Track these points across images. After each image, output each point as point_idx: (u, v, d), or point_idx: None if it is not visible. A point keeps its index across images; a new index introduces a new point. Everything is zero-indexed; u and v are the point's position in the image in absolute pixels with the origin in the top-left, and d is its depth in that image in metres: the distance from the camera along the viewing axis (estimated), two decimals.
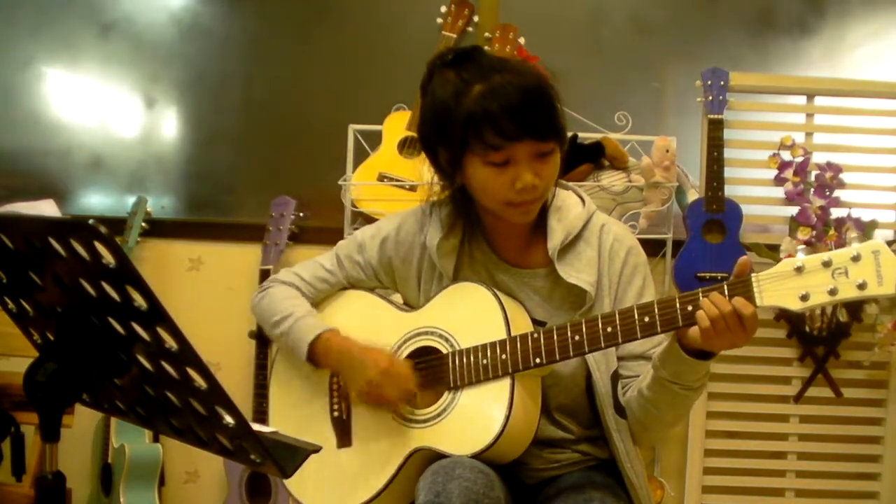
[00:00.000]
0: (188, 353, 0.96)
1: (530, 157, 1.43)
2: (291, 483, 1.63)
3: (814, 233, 2.58)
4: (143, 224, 2.72)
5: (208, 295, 2.80)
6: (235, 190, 2.95)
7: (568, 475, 1.57)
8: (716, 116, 2.59)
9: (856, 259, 1.24)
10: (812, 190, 2.63)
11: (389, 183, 2.58)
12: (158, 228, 2.78)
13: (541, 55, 2.63)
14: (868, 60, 2.87)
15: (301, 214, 2.69)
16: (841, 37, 2.89)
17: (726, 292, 1.30)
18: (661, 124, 2.84)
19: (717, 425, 2.73)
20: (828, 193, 2.62)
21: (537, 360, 1.45)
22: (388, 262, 1.65)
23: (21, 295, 1.13)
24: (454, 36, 2.70)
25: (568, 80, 2.70)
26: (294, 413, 1.68)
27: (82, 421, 2.46)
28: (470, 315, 1.53)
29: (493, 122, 1.39)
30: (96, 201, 2.94)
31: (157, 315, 0.94)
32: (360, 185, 2.60)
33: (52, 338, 1.12)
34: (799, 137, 2.69)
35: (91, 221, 0.88)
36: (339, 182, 2.60)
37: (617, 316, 1.40)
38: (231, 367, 2.75)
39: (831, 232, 2.58)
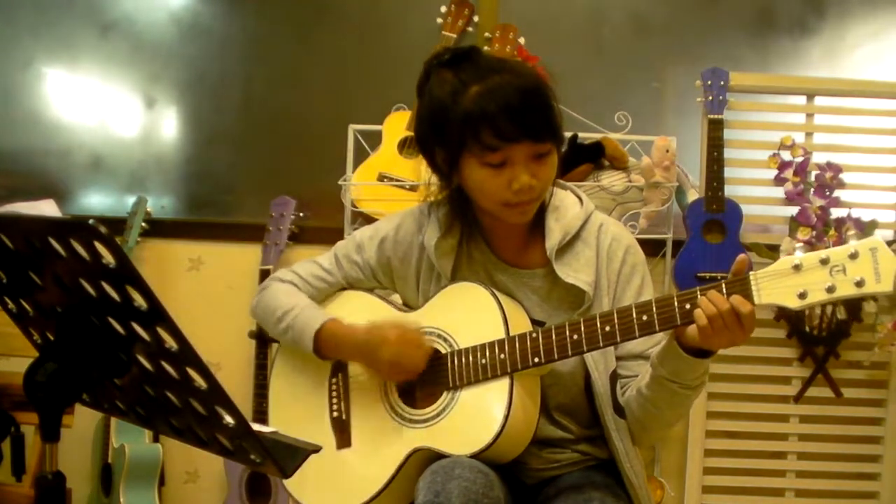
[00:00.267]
0: (188, 353, 0.96)
1: (527, 158, 1.43)
2: (291, 483, 1.63)
3: (814, 233, 2.58)
4: (143, 224, 2.72)
5: (208, 295, 2.80)
6: (235, 190, 2.95)
7: (567, 475, 1.57)
8: (716, 116, 2.59)
9: (853, 256, 1.24)
10: (812, 190, 2.63)
11: (389, 183, 2.58)
12: (158, 228, 2.78)
13: (541, 55, 2.63)
14: (868, 60, 2.87)
15: (301, 214, 2.69)
16: (841, 37, 2.89)
17: (724, 291, 1.30)
18: (661, 124, 2.84)
19: (717, 425, 2.73)
20: (828, 193, 2.62)
21: (536, 360, 1.45)
22: (386, 262, 1.65)
23: (21, 295, 1.13)
24: (454, 36, 2.70)
25: (568, 80, 2.71)
26: (293, 414, 1.69)
27: (82, 421, 2.46)
28: (468, 315, 1.53)
29: (491, 122, 1.39)
30: (96, 201, 2.94)
31: (157, 315, 0.94)
32: (360, 185, 2.60)
33: (52, 338, 1.12)
34: (799, 137, 2.69)
35: (91, 221, 0.88)
36: (339, 182, 2.60)
37: (615, 315, 1.40)
38: (231, 367, 2.75)
39: (831, 232, 2.58)
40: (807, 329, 2.66)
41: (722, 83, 2.59)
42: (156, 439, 2.67)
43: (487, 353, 1.48)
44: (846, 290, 1.24)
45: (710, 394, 2.69)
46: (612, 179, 2.54)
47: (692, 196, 2.63)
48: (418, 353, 1.52)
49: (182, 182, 2.94)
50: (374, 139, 2.67)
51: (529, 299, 1.57)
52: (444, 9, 2.73)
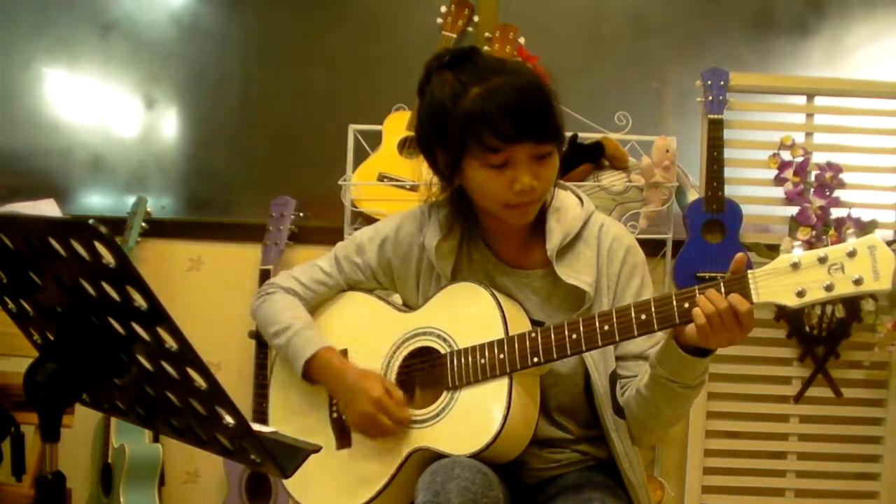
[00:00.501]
0: (188, 353, 0.96)
1: (529, 159, 1.43)
2: (291, 484, 1.64)
3: (814, 233, 2.58)
4: (143, 224, 2.72)
5: (208, 295, 2.81)
6: (235, 190, 2.95)
7: (567, 475, 1.57)
8: (716, 116, 2.59)
9: (852, 255, 1.23)
10: (812, 190, 2.63)
11: (389, 183, 2.58)
12: (158, 228, 2.78)
13: (541, 55, 2.63)
14: (868, 61, 2.88)
15: (301, 214, 2.69)
16: (841, 37, 2.89)
17: (722, 289, 1.30)
18: (661, 124, 2.85)
19: (717, 425, 2.73)
20: (828, 193, 2.62)
21: (535, 360, 1.45)
22: (386, 263, 1.65)
23: (21, 295, 1.13)
24: (454, 36, 2.70)
25: (568, 80, 2.71)
26: (293, 414, 1.69)
27: (82, 421, 2.46)
28: (468, 315, 1.53)
29: (492, 124, 1.39)
30: (96, 201, 2.94)
31: (157, 315, 0.94)
32: (360, 185, 2.60)
33: (52, 338, 1.13)
34: (799, 137, 2.69)
35: (91, 221, 0.89)
36: (339, 182, 2.60)
37: (614, 314, 1.40)
38: (231, 367, 2.75)
39: (831, 232, 2.58)
40: (807, 329, 2.66)
41: (722, 83, 2.59)
42: (156, 439, 2.67)
43: (487, 353, 1.48)
44: (844, 288, 1.24)
45: (710, 394, 2.69)
46: (612, 179, 2.54)
47: (692, 196, 2.63)
48: (391, 422, 1.51)
49: (182, 182, 2.94)
50: (374, 139, 2.67)
51: (530, 300, 1.57)
52: (444, 9, 2.73)
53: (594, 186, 2.52)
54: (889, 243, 1.25)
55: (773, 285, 1.28)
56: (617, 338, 1.40)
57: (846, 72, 2.86)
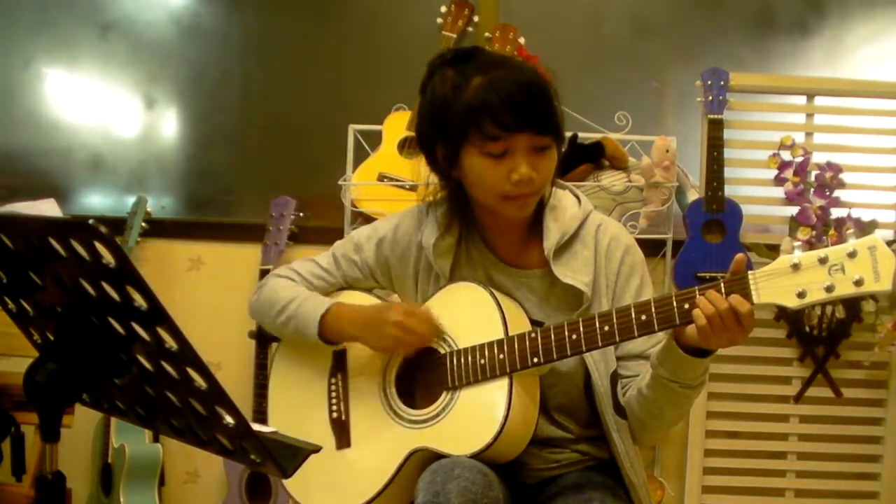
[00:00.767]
0: (188, 353, 0.96)
1: (528, 150, 1.43)
2: (291, 484, 1.63)
3: (814, 233, 2.58)
4: (143, 224, 2.71)
5: (208, 295, 2.80)
6: (235, 190, 2.95)
7: (567, 475, 1.58)
8: (716, 116, 2.59)
9: (852, 255, 1.23)
10: (812, 190, 2.63)
11: (389, 183, 2.58)
12: (158, 228, 2.78)
13: (541, 55, 2.63)
14: (868, 61, 2.87)
15: (301, 214, 2.69)
16: (841, 37, 2.89)
17: (723, 290, 1.30)
18: (661, 124, 2.85)
19: (717, 425, 2.73)
20: (828, 193, 2.62)
21: (535, 360, 1.45)
22: (384, 262, 1.65)
23: (21, 295, 1.13)
24: (454, 36, 2.70)
25: (568, 80, 2.69)
26: (293, 415, 1.69)
27: (82, 421, 2.46)
28: (467, 315, 1.53)
29: (493, 113, 1.39)
30: (96, 201, 2.94)
31: (157, 315, 0.94)
32: (359, 185, 2.60)
33: (52, 338, 1.13)
34: (799, 137, 2.69)
35: (91, 221, 0.89)
36: (339, 182, 2.60)
37: (614, 315, 1.40)
38: (231, 367, 2.75)
39: (831, 232, 2.58)
40: (807, 329, 2.66)
41: (722, 83, 2.59)
42: (156, 439, 2.67)
43: (486, 354, 1.48)
44: (845, 289, 1.24)
45: (710, 394, 2.69)
46: (612, 179, 2.54)
47: (692, 196, 2.63)
48: (426, 326, 1.52)
49: (182, 182, 2.94)
50: (374, 139, 2.66)
51: (528, 299, 1.57)
52: (444, 9, 2.73)
53: (594, 186, 2.52)
54: (889, 243, 1.25)
55: (773, 286, 1.28)
56: (617, 338, 1.40)
57: (846, 72, 2.86)
